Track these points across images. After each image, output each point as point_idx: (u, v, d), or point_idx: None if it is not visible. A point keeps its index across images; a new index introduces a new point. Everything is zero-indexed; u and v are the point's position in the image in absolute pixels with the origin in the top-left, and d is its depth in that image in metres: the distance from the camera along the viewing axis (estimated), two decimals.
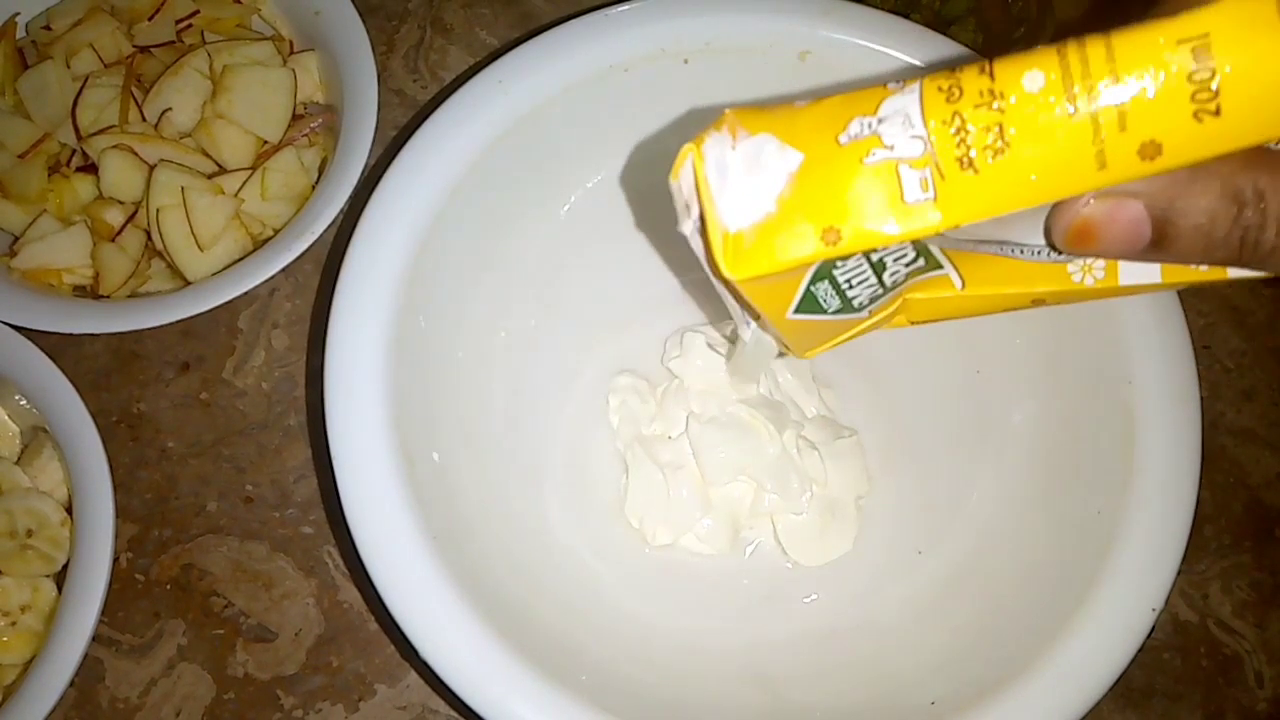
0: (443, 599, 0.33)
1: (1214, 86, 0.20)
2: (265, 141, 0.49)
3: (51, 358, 0.43)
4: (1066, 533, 0.38)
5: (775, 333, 0.29)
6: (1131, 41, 0.20)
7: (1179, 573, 0.36)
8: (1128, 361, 0.38)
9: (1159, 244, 0.23)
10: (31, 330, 0.43)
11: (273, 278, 0.44)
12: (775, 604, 0.43)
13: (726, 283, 0.24)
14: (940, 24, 0.53)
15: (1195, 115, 0.20)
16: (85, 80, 0.48)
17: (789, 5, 0.41)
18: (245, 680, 0.44)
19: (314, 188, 0.49)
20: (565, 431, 0.45)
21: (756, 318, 0.29)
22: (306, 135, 0.49)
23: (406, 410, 0.35)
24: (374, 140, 0.47)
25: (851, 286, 0.26)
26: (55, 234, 0.47)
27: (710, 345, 0.45)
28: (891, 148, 0.22)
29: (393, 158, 0.38)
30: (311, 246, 0.45)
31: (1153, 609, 0.35)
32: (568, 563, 0.41)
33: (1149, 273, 0.26)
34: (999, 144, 0.21)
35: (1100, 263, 0.27)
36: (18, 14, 0.50)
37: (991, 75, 0.21)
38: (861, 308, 0.28)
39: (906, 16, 0.42)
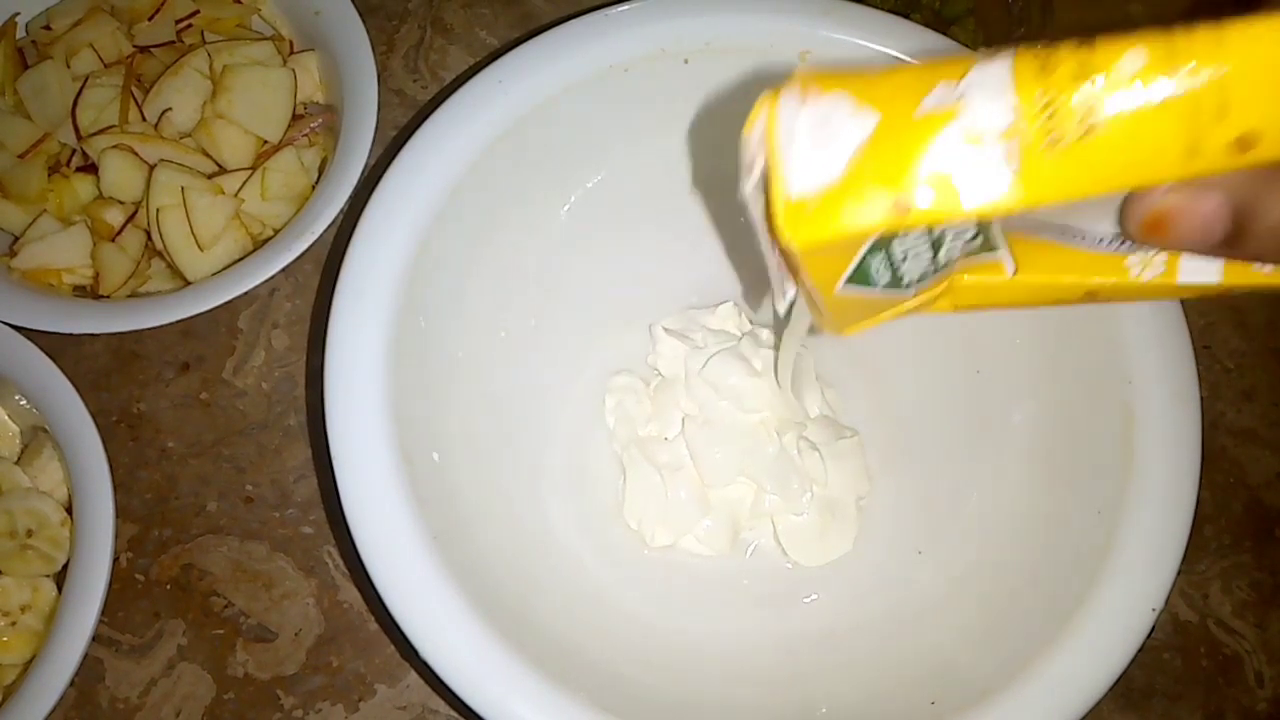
0: (442, 599, 0.33)
1: None
2: (265, 141, 0.49)
3: (51, 358, 0.43)
4: (1066, 533, 0.38)
5: (818, 305, 0.28)
6: (1245, 29, 0.20)
7: (1179, 573, 0.36)
8: (1128, 361, 0.38)
9: (1233, 240, 0.23)
10: (31, 330, 0.43)
11: (273, 278, 0.44)
12: (775, 604, 0.43)
13: (784, 249, 0.23)
14: (940, 24, 0.53)
15: None
16: (85, 80, 0.48)
17: (789, 5, 0.41)
18: (245, 680, 0.44)
19: (314, 188, 0.49)
20: (565, 431, 0.45)
21: (801, 288, 0.27)
22: (306, 135, 0.49)
23: (406, 410, 0.35)
24: (374, 140, 0.47)
25: (905, 260, 0.25)
26: (55, 234, 0.47)
27: (668, 331, 0.45)
28: (975, 119, 0.21)
29: (393, 158, 0.38)
30: (311, 246, 0.45)
31: (1153, 609, 0.35)
32: (567, 563, 0.41)
33: (1208, 272, 0.26)
34: (1090, 123, 0.20)
35: (1161, 257, 0.26)
36: (18, 14, 0.50)
37: (1090, 50, 0.20)
38: (910, 285, 0.27)
39: (907, 16, 0.42)
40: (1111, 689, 0.34)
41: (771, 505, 0.43)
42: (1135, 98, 0.20)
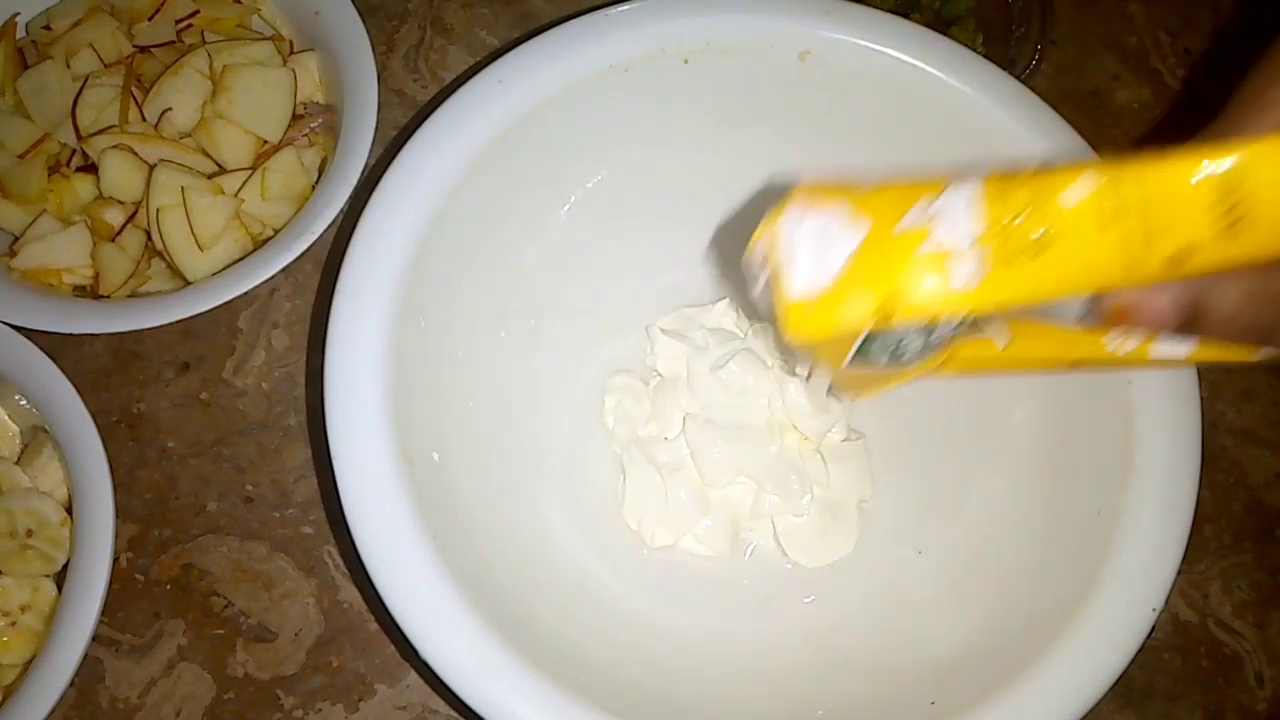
0: (442, 598, 0.33)
1: (1240, 207, 0.23)
2: (265, 141, 0.49)
3: (51, 358, 0.43)
4: (1067, 532, 0.38)
5: (829, 377, 0.33)
6: (1165, 167, 0.23)
7: (1179, 573, 0.36)
8: None
9: (1190, 328, 0.26)
10: (31, 330, 0.43)
11: (273, 278, 0.44)
12: (775, 604, 0.43)
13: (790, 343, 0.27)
14: (940, 24, 0.53)
15: (1222, 232, 0.23)
16: (85, 80, 0.48)
17: (789, 5, 0.41)
18: (245, 680, 0.44)
19: (314, 188, 0.49)
20: (565, 431, 0.45)
21: (814, 363, 0.32)
22: (306, 135, 0.49)
23: (406, 410, 0.35)
24: (374, 140, 0.47)
25: (903, 341, 0.29)
26: (55, 234, 0.47)
27: (665, 331, 0.45)
28: (945, 236, 0.25)
29: (393, 158, 0.38)
30: (311, 246, 0.45)
31: (1153, 609, 0.35)
32: (568, 563, 0.41)
33: (1178, 349, 0.30)
34: (1041, 244, 0.24)
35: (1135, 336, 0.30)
36: (18, 14, 0.50)
37: (1042, 181, 0.24)
38: (909, 361, 0.30)
39: (907, 16, 0.42)
40: (1112, 688, 0.34)
41: (772, 506, 0.43)
42: (1080, 222, 0.24)
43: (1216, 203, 0.23)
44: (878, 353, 0.28)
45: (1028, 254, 0.24)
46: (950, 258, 0.25)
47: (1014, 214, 0.24)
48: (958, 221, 0.24)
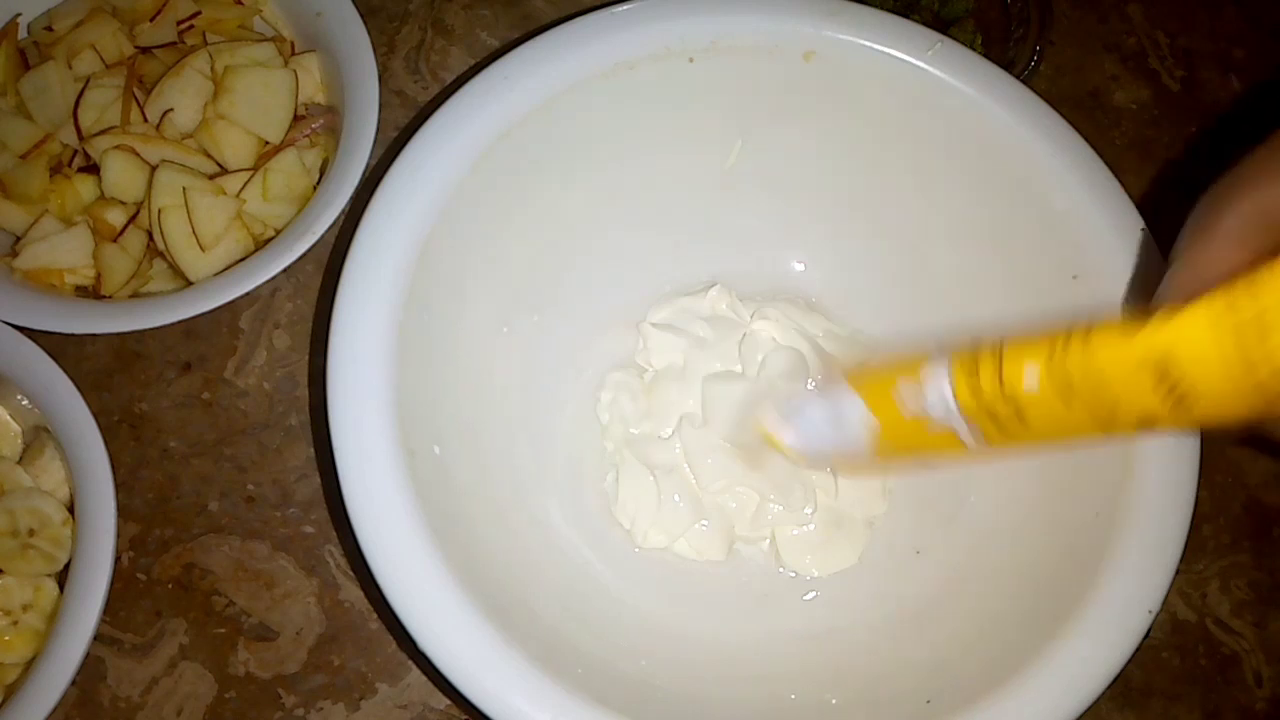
0: (442, 590, 0.33)
1: (1179, 386, 0.24)
2: (267, 142, 0.49)
3: (53, 358, 0.43)
4: (1064, 534, 0.38)
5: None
6: (1100, 353, 0.25)
7: (1177, 572, 0.36)
8: None
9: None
10: (33, 330, 0.44)
11: (274, 278, 0.44)
12: (773, 602, 0.43)
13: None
14: (939, 25, 0.53)
15: (1173, 407, 0.25)
16: (87, 81, 0.48)
17: (795, 6, 0.41)
18: (247, 679, 0.44)
19: (315, 188, 0.49)
20: (565, 428, 0.45)
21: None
22: (308, 136, 0.49)
23: (408, 404, 0.35)
24: (375, 141, 0.47)
25: None
26: (57, 234, 0.47)
27: (658, 326, 0.45)
28: (942, 425, 0.29)
29: (394, 158, 0.38)
30: (313, 247, 0.45)
31: (1149, 611, 0.35)
32: (567, 558, 0.42)
33: None
34: (1021, 418, 0.27)
35: None
36: (19, 14, 0.50)
37: (1000, 368, 0.27)
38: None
39: (906, 17, 0.42)
40: (1110, 688, 0.34)
41: (774, 515, 0.43)
42: (1046, 401, 0.26)
43: (1159, 383, 0.24)
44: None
45: (1013, 424, 0.27)
46: (956, 432, 0.29)
47: (989, 398, 0.27)
48: (948, 408, 0.28)
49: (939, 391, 0.28)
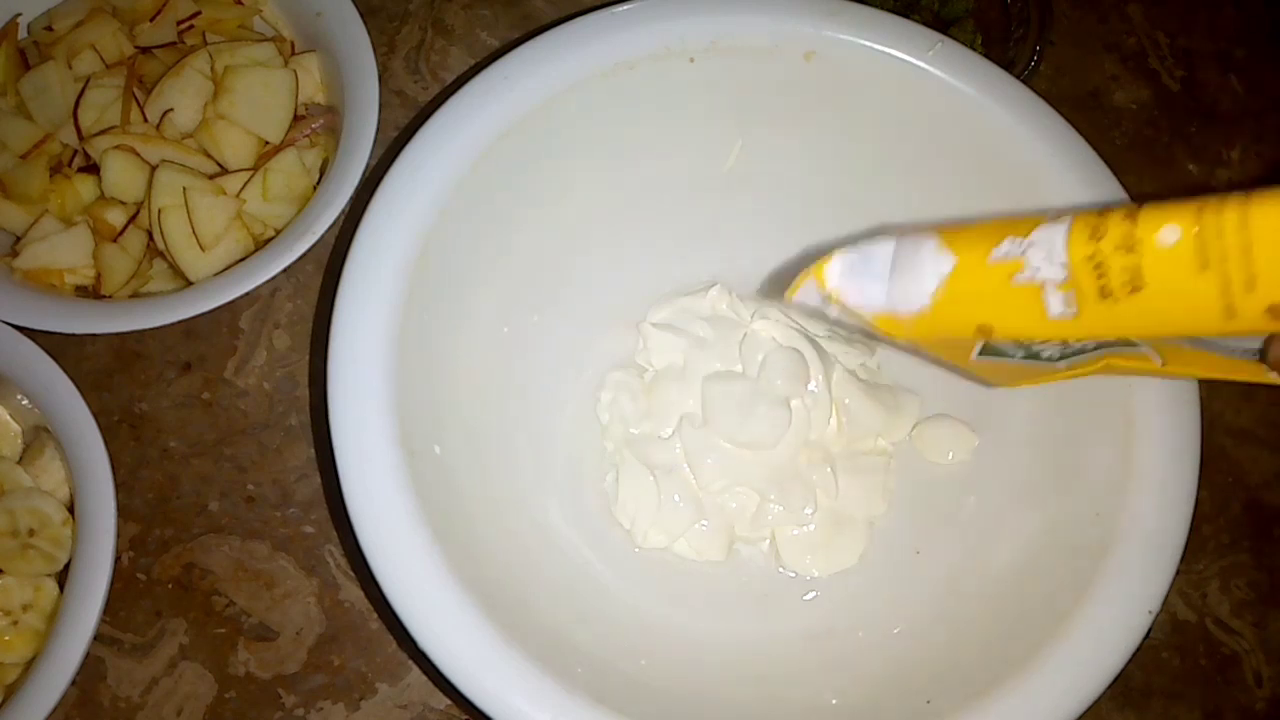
0: (442, 589, 0.33)
1: None
2: (267, 142, 0.49)
3: (53, 358, 0.43)
4: (1064, 533, 0.38)
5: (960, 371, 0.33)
6: (1266, 210, 0.22)
7: (1178, 572, 0.36)
8: None
9: None
10: (33, 330, 0.44)
11: (274, 278, 0.44)
12: (773, 602, 0.43)
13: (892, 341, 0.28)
14: (940, 25, 0.53)
15: None
16: (87, 81, 0.48)
17: (795, 6, 0.41)
18: (247, 679, 0.44)
19: (315, 188, 0.49)
20: (565, 427, 0.45)
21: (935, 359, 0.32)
22: (308, 136, 0.49)
23: (408, 403, 0.35)
24: (375, 141, 0.47)
25: (1030, 347, 0.29)
26: (57, 234, 0.47)
27: (658, 326, 0.45)
28: (1037, 270, 0.25)
29: (394, 158, 0.38)
30: (313, 247, 0.45)
31: (1149, 611, 0.35)
32: (566, 557, 0.41)
33: None
34: (1135, 283, 0.24)
35: None
36: (20, 14, 0.50)
37: (1134, 221, 0.23)
38: (1052, 359, 0.30)
39: (906, 18, 0.42)
40: (1110, 688, 0.34)
41: (775, 515, 0.43)
42: (1173, 267, 0.23)
43: None
44: (1009, 349, 0.29)
45: (1123, 290, 0.24)
46: (1044, 289, 0.25)
47: (1107, 252, 0.24)
48: (1052, 255, 0.25)
49: (1049, 237, 0.25)
